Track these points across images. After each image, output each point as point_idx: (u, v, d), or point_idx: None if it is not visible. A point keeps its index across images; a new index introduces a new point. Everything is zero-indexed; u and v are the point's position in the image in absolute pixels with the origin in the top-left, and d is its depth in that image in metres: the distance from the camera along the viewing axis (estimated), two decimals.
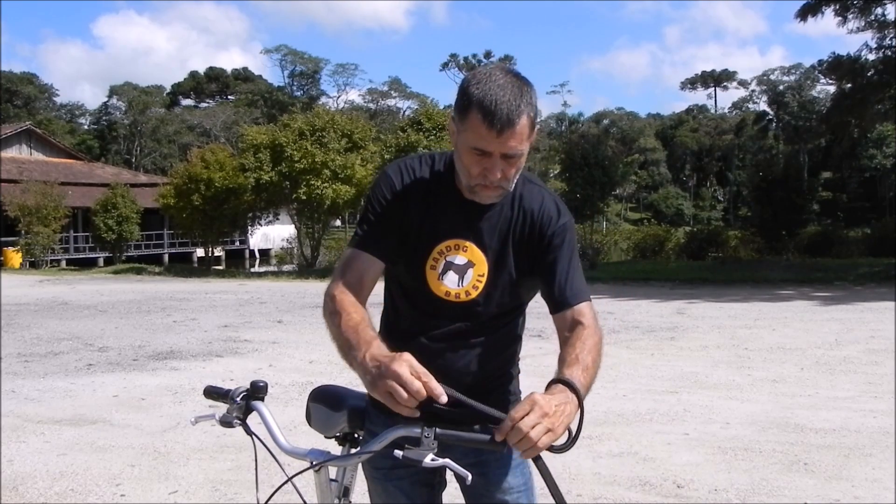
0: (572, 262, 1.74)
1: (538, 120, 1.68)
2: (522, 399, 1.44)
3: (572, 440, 1.49)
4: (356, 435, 1.88)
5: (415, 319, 1.82)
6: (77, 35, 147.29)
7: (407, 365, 1.41)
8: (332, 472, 1.79)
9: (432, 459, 1.40)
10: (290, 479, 1.53)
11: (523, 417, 1.39)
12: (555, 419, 1.41)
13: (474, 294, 1.76)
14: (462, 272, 1.76)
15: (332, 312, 1.68)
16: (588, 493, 4.19)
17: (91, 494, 4.27)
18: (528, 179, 1.80)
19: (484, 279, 1.76)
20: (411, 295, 1.82)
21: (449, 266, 1.76)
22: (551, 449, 1.43)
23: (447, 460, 1.40)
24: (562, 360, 1.60)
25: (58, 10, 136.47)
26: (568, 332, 1.68)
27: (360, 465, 1.88)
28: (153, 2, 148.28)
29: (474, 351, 1.81)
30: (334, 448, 1.88)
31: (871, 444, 5.00)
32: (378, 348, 1.52)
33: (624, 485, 4.33)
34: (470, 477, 1.39)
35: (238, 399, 1.63)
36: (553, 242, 1.74)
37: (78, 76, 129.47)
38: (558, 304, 1.71)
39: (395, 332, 1.86)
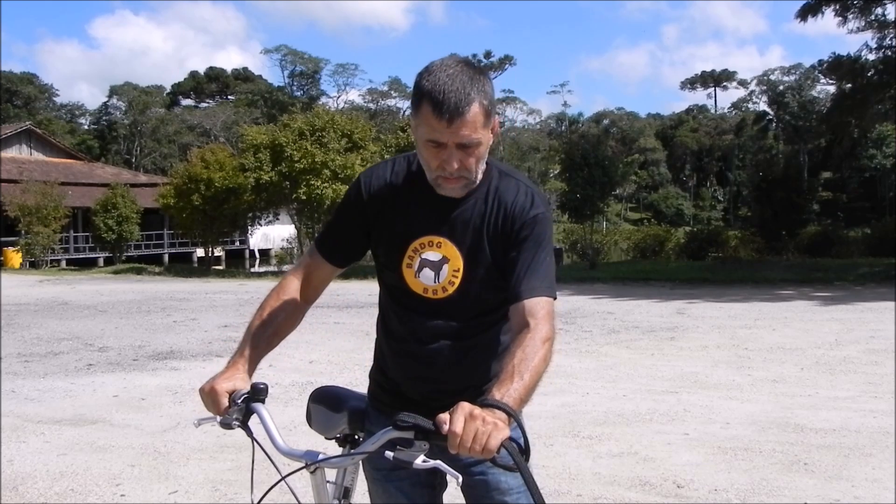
0: (538, 255, 1.70)
1: (495, 109, 1.68)
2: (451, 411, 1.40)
3: (525, 452, 1.46)
4: (356, 436, 1.89)
5: (402, 320, 1.83)
6: (73, 35, 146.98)
7: (210, 387, 1.67)
8: (331, 474, 1.79)
9: (423, 461, 1.40)
10: (283, 478, 1.54)
11: (463, 427, 1.36)
12: (488, 417, 1.38)
13: (451, 290, 1.76)
14: (437, 268, 1.76)
15: (262, 303, 1.84)
16: (588, 493, 4.19)
17: (91, 494, 4.27)
18: (505, 173, 1.80)
19: (460, 274, 1.75)
20: (395, 294, 1.83)
21: (424, 263, 1.76)
22: (506, 467, 1.41)
23: (438, 462, 1.40)
24: (501, 371, 1.56)
25: (53, 10, 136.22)
26: (516, 331, 1.65)
27: (360, 466, 1.89)
28: (149, 1, 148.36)
29: (464, 353, 1.80)
30: (334, 449, 1.88)
31: (871, 444, 5.00)
32: (233, 367, 1.72)
33: (624, 485, 4.33)
34: (460, 478, 1.39)
35: (239, 401, 1.64)
36: (521, 234, 1.72)
37: (75, 76, 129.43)
38: (511, 297, 1.68)
39: (388, 334, 1.88)
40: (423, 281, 1.77)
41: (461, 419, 1.37)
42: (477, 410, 1.39)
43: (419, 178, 1.76)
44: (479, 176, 1.72)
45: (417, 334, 1.80)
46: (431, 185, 1.71)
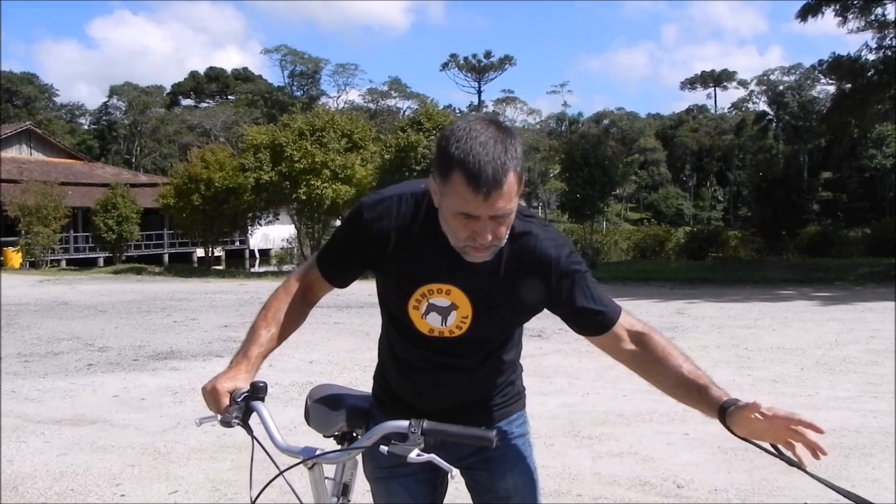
0: (589, 285, 1.72)
1: (524, 171, 1.60)
2: (784, 414, 1.53)
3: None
4: (354, 434, 1.89)
5: (405, 349, 1.82)
6: (72, 35, 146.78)
7: (211, 386, 1.67)
8: (329, 470, 1.79)
9: (417, 455, 1.41)
10: (280, 472, 1.56)
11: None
12: None
13: (458, 333, 1.75)
14: (445, 314, 1.74)
15: (265, 304, 1.84)
16: (588, 493, 4.19)
17: (91, 494, 4.27)
18: (520, 217, 1.70)
19: (468, 321, 1.73)
20: (398, 325, 1.82)
21: (432, 307, 1.74)
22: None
23: (432, 455, 1.41)
24: (692, 382, 1.71)
25: (52, 10, 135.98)
26: (634, 344, 1.71)
27: (360, 466, 1.89)
28: (148, 1, 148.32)
29: (469, 379, 1.81)
30: (333, 447, 1.89)
31: (871, 444, 5.00)
32: (235, 367, 1.72)
33: (624, 485, 4.33)
34: (454, 471, 1.40)
35: (239, 400, 1.65)
36: (563, 284, 1.69)
37: (73, 76, 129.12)
38: (603, 327, 1.71)
39: (392, 356, 1.88)
40: (430, 322, 1.75)
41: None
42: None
43: (428, 223, 1.68)
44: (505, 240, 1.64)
45: (420, 363, 1.80)
46: (457, 250, 1.62)
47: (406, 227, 1.71)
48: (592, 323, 1.72)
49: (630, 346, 1.70)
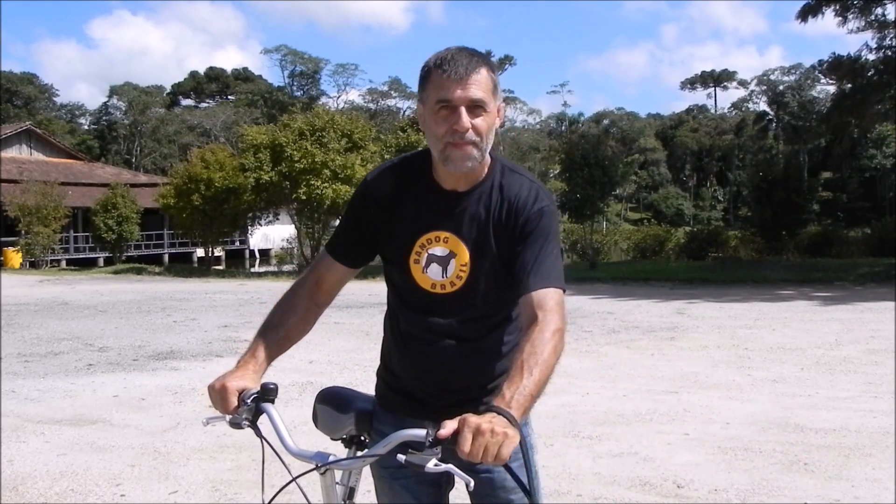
0: (544, 247, 1.71)
1: (500, 90, 1.73)
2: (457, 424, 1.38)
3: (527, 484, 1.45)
4: (362, 437, 1.88)
5: (408, 320, 1.84)
6: (71, 35, 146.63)
7: (220, 385, 1.65)
8: (338, 474, 1.79)
9: (435, 465, 1.39)
10: (294, 479, 1.54)
11: (471, 444, 1.35)
12: (497, 428, 1.36)
13: (459, 284, 1.77)
14: (444, 263, 1.77)
15: (275, 305, 1.87)
16: (588, 493, 4.19)
17: (91, 494, 4.28)
18: (511, 169, 1.81)
19: (467, 269, 1.76)
20: (402, 292, 1.85)
21: (431, 258, 1.78)
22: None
23: (450, 466, 1.40)
24: (511, 366, 1.54)
25: (51, 10, 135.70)
26: (526, 324, 1.63)
27: (366, 466, 1.89)
28: (147, 1, 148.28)
29: (469, 354, 1.81)
30: (340, 450, 1.88)
31: (871, 444, 5.01)
32: (244, 367, 1.72)
33: (624, 485, 4.33)
34: (472, 483, 1.39)
35: (248, 401, 1.64)
36: (526, 228, 1.72)
37: (73, 76, 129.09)
38: (521, 291, 1.67)
39: (395, 334, 1.89)
40: (431, 276, 1.78)
41: (469, 437, 1.36)
42: (484, 425, 1.36)
43: (424, 175, 1.79)
44: (488, 149, 1.71)
45: (423, 334, 1.81)
46: (440, 160, 1.71)
47: (403, 182, 1.81)
48: (519, 277, 1.68)
49: (525, 323, 1.63)
